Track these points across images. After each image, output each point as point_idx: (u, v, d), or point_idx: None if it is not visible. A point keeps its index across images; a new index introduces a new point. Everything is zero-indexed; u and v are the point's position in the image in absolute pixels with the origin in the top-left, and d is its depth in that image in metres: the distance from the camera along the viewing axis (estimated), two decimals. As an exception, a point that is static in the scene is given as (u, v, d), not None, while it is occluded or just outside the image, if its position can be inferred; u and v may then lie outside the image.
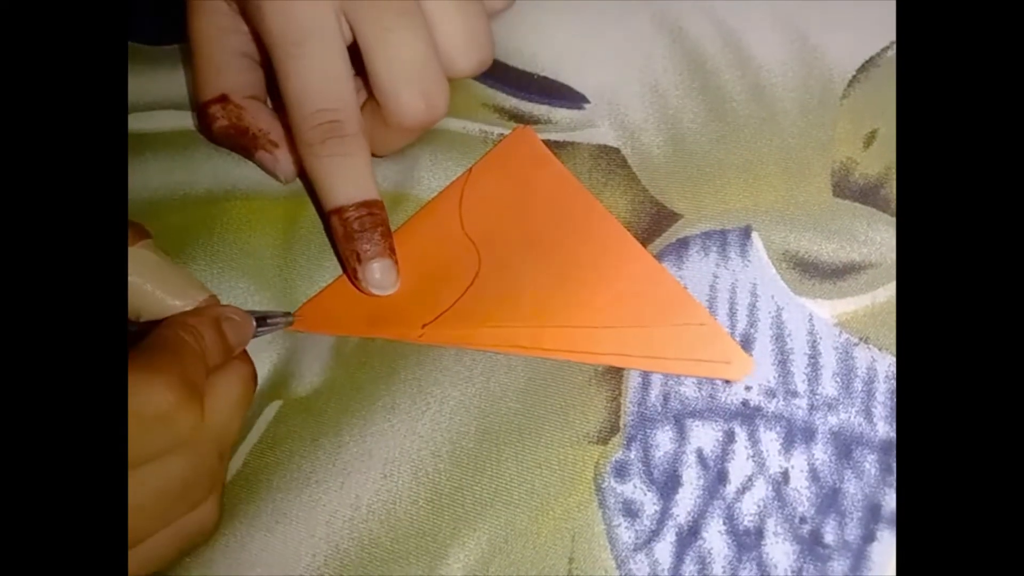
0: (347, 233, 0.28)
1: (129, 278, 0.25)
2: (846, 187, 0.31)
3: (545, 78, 0.33)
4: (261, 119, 0.30)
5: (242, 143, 0.31)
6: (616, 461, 0.26)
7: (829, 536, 0.25)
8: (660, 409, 0.27)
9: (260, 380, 0.28)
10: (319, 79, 0.27)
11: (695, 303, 0.29)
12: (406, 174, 0.31)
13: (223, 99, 0.30)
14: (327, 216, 0.29)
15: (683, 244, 0.30)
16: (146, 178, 0.31)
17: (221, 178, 0.31)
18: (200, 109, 0.31)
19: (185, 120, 0.33)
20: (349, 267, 0.29)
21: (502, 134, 0.32)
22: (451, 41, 0.29)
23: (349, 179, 0.28)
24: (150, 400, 0.21)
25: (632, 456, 0.27)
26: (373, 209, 0.28)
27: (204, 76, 0.31)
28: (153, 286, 0.25)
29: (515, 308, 0.29)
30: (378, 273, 0.28)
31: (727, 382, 0.27)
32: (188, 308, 0.26)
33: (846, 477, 0.26)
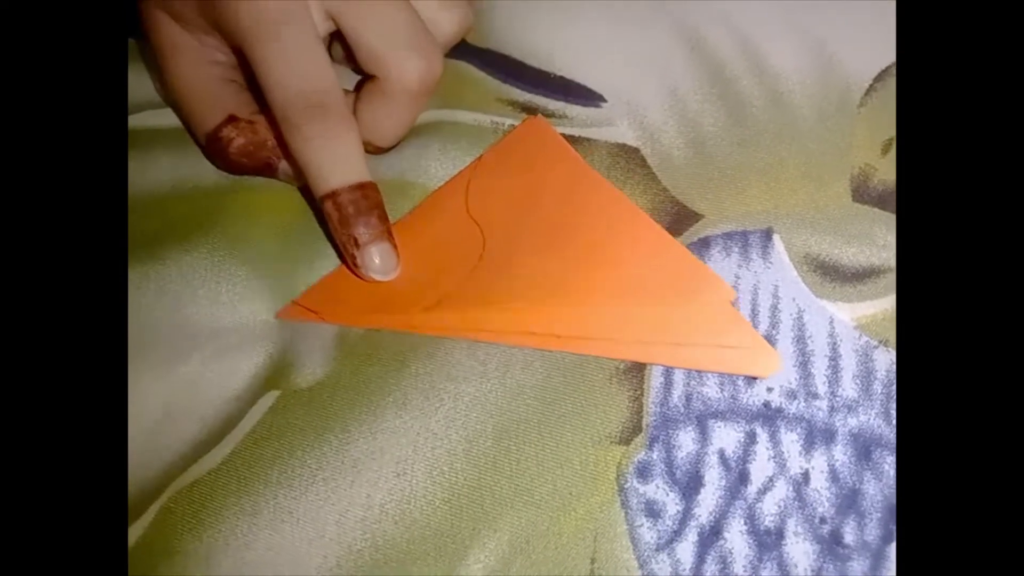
0: (342, 217, 0.27)
1: None
2: (865, 192, 0.31)
3: (562, 78, 0.33)
4: (274, 130, 0.29)
5: (262, 157, 0.29)
6: (639, 461, 0.26)
7: (849, 536, 0.25)
8: (683, 409, 0.27)
9: (255, 368, 0.27)
10: (297, 62, 0.27)
11: (718, 279, 0.28)
12: (413, 162, 0.31)
13: (232, 119, 0.29)
14: (320, 203, 0.27)
15: (705, 244, 0.30)
16: (157, 173, 0.31)
17: (229, 172, 0.31)
18: (211, 138, 0.29)
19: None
20: (347, 254, 0.27)
21: (514, 125, 0.31)
22: (429, 7, 0.29)
23: (339, 161, 0.27)
24: None
25: (655, 456, 0.26)
26: (367, 191, 0.27)
27: (201, 110, 0.29)
28: None
29: (522, 286, 0.27)
30: (377, 258, 0.27)
31: (749, 383, 0.27)
32: None
33: (865, 478, 0.26)
